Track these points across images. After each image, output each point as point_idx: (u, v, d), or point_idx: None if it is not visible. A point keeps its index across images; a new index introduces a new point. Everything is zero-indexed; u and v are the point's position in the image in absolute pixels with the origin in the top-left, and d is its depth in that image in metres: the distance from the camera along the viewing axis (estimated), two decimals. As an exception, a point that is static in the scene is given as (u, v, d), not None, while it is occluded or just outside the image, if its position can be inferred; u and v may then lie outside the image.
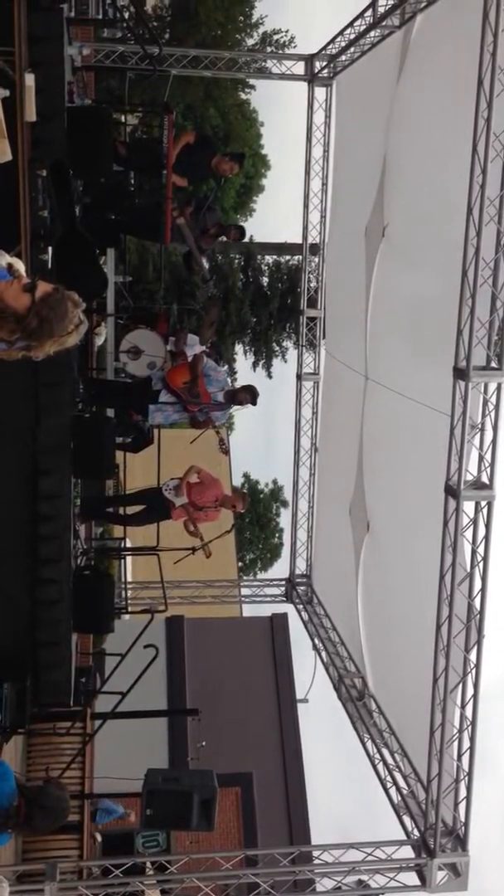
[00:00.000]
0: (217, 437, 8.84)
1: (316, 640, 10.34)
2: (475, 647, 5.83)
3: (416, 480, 7.20)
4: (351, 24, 8.96)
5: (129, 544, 13.33)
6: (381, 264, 8.35)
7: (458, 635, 5.82)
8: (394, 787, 6.98)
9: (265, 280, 25.07)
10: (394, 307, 8.23)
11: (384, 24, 8.08)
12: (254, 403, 8.92)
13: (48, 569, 7.11)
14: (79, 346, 3.49)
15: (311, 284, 11.33)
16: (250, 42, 25.57)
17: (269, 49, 24.68)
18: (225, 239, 10.03)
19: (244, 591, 12.91)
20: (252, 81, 23.70)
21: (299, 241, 11.24)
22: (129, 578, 15.99)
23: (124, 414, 9.72)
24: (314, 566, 11.64)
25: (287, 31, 25.91)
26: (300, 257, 11.62)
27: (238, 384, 9.38)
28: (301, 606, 11.33)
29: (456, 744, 5.97)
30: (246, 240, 11.59)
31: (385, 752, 7.51)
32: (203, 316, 11.98)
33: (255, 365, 25.91)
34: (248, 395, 8.86)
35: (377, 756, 7.48)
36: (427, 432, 6.70)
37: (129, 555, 13.65)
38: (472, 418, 5.70)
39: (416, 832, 6.42)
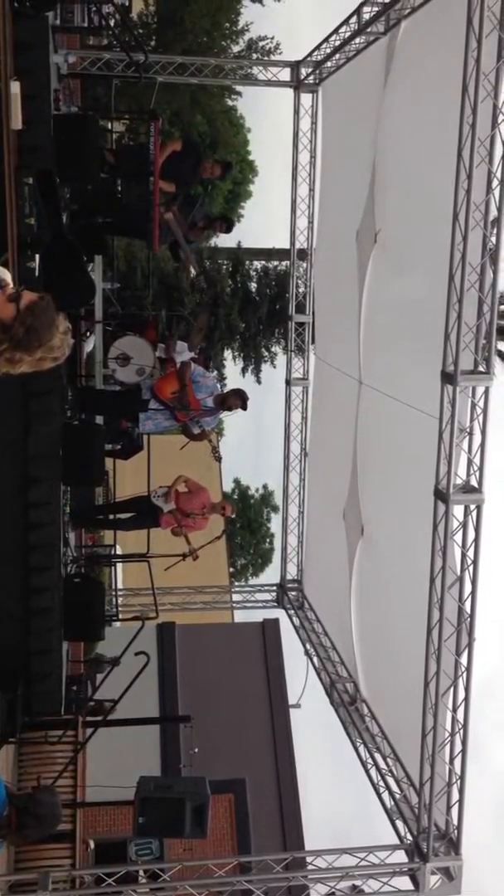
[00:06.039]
0: (210, 445, 8.85)
1: (307, 645, 10.33)
2: (466, 651, 5.85)
3: (409, 484, 7.20)
4: (336, 31, 9.00)
5: (119, 551, 13.29)
6: (373, 269, 8.36)
7: (448, 639, 5.83)
8: (386, 792, 6.99)
9: (253, 286, 25.11)
10: (387, 311, 8.24)
11: (369, 30, 8.11)
12: (244, 408, 8.92)
13: (39, 577, 7.10)
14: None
15: (300, 289, 11.35)
16: (236, 49, 25.59)
17: (254, 56, 24.71)
18: (214, 232, 10.02)
19: (235, 597, 12.90)
20: (238, 88, 23.74)
21: (287, 246, 11.27)
22: (120, 585, 15.92)
23: (114, 421, 9.71)
24: (305, 571, 11.64)
25: (272, 38, 25.91)
26: (288, 262, 11.64)
27: (227, 389, 9.38)
28: (292, 612, 11.32)
29: (448, 747, 5.97)
30: (233, 240, 11.64)
31: (377, 756, 7.51)
32: (192, 322, 11.99)
33: (244, 370, 25.94)
34: (238, 399, 8.87)
35: (370, 760, 7.48)
36: (420, 436, 6.71)
37: (119, 562, 13.62)
38: (461, 422, 5.71)
39: (409, 836, 6.43)
